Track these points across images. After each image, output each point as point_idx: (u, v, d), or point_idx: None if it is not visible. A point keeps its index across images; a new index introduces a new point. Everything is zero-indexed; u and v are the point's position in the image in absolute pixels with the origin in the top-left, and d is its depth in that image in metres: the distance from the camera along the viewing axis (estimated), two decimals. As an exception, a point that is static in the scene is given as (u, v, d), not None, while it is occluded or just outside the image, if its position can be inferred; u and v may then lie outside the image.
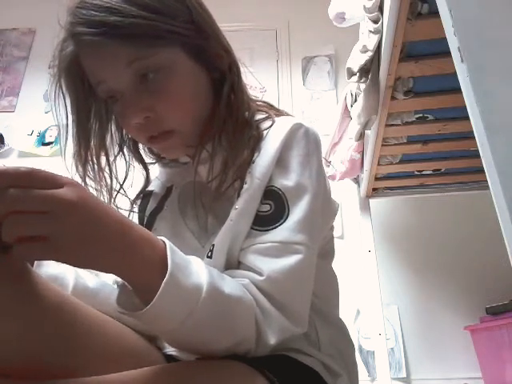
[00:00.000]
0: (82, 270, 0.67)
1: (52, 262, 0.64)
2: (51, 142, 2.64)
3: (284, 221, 0.58)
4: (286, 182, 0.61)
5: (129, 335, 0.58)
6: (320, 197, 0.64)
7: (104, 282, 0.68)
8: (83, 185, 0.67)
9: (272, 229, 0.58)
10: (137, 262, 0.45)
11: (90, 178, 0.68)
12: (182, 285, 0.46)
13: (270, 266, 0.55)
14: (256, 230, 0.59)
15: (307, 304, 0.59)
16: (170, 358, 0.62)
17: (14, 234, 0.38)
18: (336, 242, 0.77)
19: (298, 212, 0.59)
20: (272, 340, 0.53)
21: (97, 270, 0.45)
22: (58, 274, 0.63)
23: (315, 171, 0.63)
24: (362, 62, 1.28)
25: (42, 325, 0.45)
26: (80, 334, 0.49)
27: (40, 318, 0.45)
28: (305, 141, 0.64)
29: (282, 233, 0.58)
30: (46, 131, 2.68)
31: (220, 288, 0.49)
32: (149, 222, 0.73)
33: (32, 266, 0.59)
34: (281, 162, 0.62)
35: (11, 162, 2.59)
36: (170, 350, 0.63)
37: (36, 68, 2.86)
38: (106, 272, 0.45)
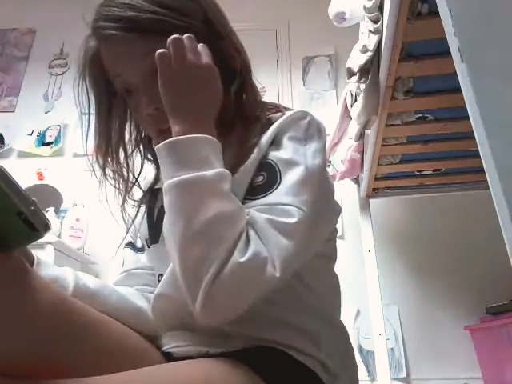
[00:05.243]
0: (81, 272, 0.68)
1: (52, 264, 0.65)
2: (51, 142, 2.64)
3: (276, 188, 0.59)
4: (280, 154, 0.62)
5: (128, 335, 0.58)
6: (316, 175, 0.62)
7: (104, 283, 0.68)
8: (102, 175, 0.71)
9: (263, 196, 0.59)
10: (197, 125, 0.57)
11: (109, 169, 0.71)
12: (202, 152, 0.55)
13: (259, 214, 0.55)
14: (249, 199, 0.60)
15: (290, 260, 0.54)
16: (169, 356, 0.63)
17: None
18: (336, 242, 0.77)
19: (288, 179, 0.59)
20: (244, 258, 0.50)
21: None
22: (59, 276, 0.63)
23: (311, 153, 0.62)
24: (362, 61, 1.28)
25: (40, 324, 0.45)
26: (79, 334, 0.49)
27: (39, 317, 0.45)
28: (305, 127, 0.64)
29: (271, 197, 0.58)
30: (46, 131, 2.68)
31: (223, 186, 0.54)
32: (158, 217, 0.74)
33: (31, 266, 0.59)
34: (277, 139, 0.64)
35: (11, 162, 2.59)
36: (169, 348, 0.64)
37: (36, 68, 2.86)
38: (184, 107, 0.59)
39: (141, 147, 0.77)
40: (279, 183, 0.59)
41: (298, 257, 0.56)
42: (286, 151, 0.62)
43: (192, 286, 0.51)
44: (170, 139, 0.57)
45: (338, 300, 0.75)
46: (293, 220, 0.55)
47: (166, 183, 0.55)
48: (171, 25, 0.62)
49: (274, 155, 0.62)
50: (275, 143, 0.63)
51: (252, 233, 0.53)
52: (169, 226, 0.55)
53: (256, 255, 0.51)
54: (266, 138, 0.63)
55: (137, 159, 0.77)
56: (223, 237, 0.51)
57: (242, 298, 0.51)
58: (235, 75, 0.68)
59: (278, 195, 0.57)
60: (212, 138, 0.58)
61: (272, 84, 2.65)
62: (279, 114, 0.68)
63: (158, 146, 0.58)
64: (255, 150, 0.62)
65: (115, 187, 0.71)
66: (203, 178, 0.53)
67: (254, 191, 0.60)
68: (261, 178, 0.61)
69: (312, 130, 0.65)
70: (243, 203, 0.59)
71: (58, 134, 2.66)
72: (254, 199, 0.59)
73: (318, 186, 0.62)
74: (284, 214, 0.55)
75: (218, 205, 0.52)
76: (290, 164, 0.60)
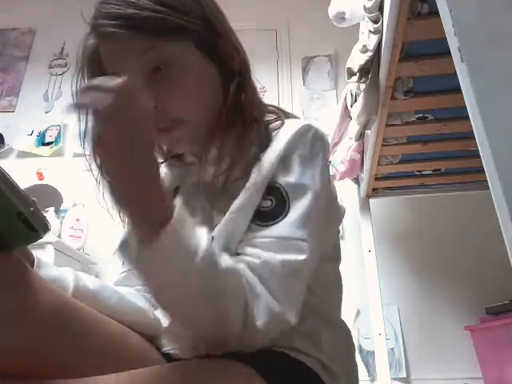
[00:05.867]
0: (81, 272, 0.68)
1: (52, 264, 0.65)
2: (51, 142, 2.64)
3: (284, 217, 0.58)
4: (289, 179, 0.61)
5: (129, 336, 0.58)
6: (323, 197, 0.63)
7: (104, 284, 0.68)
8: (99, 175, 0.69)
9: (272, 224, 0.58)
10: (155, 205, 0.48)
11: None
12: (181, 241, 0.48)
13: (269, 256, 0.55)
14: (257, 224, 0.59)
15: (300, 300, 0.58)
16: (169, 357, 0.63)
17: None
18: (339, 242, 0.77)
19: (298, 209, 0.59)
20: (260, 322, 0.52)
21: (120, 193, 0.48)
22: (59, 276, 0.63)
23: (319, 172, 0.63)
24: (362, 62, 1.28)
25: (40, 325, 0.45)
26: (79, 335, 0.49)
27: (38, 318, 0.45)
28: (310, 142, 0.64)
29: (281, 229, 0.57)
30: (46, 131, 2.67)
31: (216, 260, 0.51)
32: None
33: (31, 266, 0.59)
34: (284, 160, 0.62)
35: (11, 162, 2.59)
36: (169, 349, 0.64)
37: (36, 68, 2.86)
38: (127, 200, 0.48)
39: None
40: (288, 210, 0.59)
41: (306, 287, 0.59)
42: (294, 174, 0.61)
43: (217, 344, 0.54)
44: (138, 253, 0.48)
45: (340, 300, 0.75)
46: (303, 256, 0.56)
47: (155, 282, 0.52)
48: (171, 23, 0.61)
49: (282, 180, 0.61)
50: (282, 163, 0.62)
51: (259, 287, 0.53)
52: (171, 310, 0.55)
53: (270, 315, 0.52)
54: (270, 157, 0.62)
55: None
56: (230, 314, 0.51)
57: (266, 341, 0.56)
58: (234, 74, 0.68)
59: (288, 226, 0.58)
60: (169, 225, 0.48)
61: (272, 84, 2.65)
62: (278, 122, 0.68)
63: (132, 256, 0.50)
64: (257, 170, 0.61)
65: None
66: (189, 278, 0.50)
67: (262, 217, 0.59)
68: (269, 203, 0.60)
69: (318, 146, 0.65)
70: (251, 227, 0.59)
71: (58, 134, 2.66)
72: (262, 226, 0.58)
73: (325, 207, 0.64)
74: (295, 250, 0.56)
75: (210, 291, 0.51)
76: (299, 190, 0.60)
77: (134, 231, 0.49)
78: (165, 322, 0.65)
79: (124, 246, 0.51)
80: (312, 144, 0.64)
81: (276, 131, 0.66)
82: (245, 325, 0.52)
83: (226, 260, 0.53)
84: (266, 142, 0.65)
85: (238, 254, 0.59)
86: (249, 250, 0.57)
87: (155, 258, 0.47)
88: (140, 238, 0.48)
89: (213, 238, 0.59)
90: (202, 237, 0.51)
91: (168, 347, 0.64)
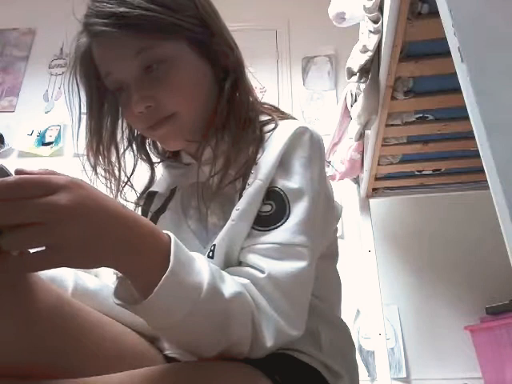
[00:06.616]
0: (81, 271, 0.67)
1: None
2: (51, 142, 2.64)
3: (284, 221, 0.58)
4: (288, 183, 0.61)
5: (129, 336, 0.58)
6: (321, 200, 0.64)
7: (103, 284, 0.68)
8: (93, 174, 0.69)
9: (272, 229, 0.58)
10: (140, 257, 0.44)
11: (101, 168, 0.70)
12: (182, 282, 0.45)
13: (272, 266, 0.55)
14: (257, 229, 0.59)
15: (306, 308, 0.59)
16: (170, 360, 0.62)
17: (13, 249, 0.38)
18: (337, 240, 0.77)
19: (298, 213, 0.59)
20: (269, 343, 0.52)
21: (99, 267, 0.44)
22: (57, 276, 0.63)
23: (317, 174, 0.63)
24: (362, 62, 1.28)
25: (40, 325, 0.45)
26: (79, 335, 0.49)
27: (38, 318, 0.45)
28: (308, 144, 0.64)
29: (282, 234, 0.57)
30: (45, 131, 2.67)
31: (220, 290, 0.49)
32: (151, 221, 0.73)
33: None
34: (283, 163, 0.62)
35: (11, 162, 2.59)
36: (171, 352, 0.63)
37: (36, 68, 2.86)
38: (108, 267, 0.44)
39: (133, 146, 0.76)
40: (289, 214, 0.58)
41: (310, 292, 0.60)
42: (293, 178, 0.61)
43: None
44: (143, 304, 0.44)
45: (339, 300, 0.75)
46: (304, 263, 0.56)
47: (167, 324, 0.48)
48: (163, 21, 0.61)
49: (282, 184, 0.61)
50: (281, 166, 0.62)
51: (263, 302, 0.53)
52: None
53: (278, 335, 0.52)
54: (269, 160, 0.62)
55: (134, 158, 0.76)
56: (238, 339, 0.51)
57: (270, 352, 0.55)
58: (228, 73, 0.68)
59: (288, 232, 0.57)
60: (168, 262, 0.45)
61: (272, 84, 2.65)
62: (272, 125, 0.67)
63: (131, 303, 0.46)
64: (254, 173, 0.61)
65: (107, 186, 0.70)
66: (195, 316, 0.47)
67: (262, 222, 0.59)
68: (269, 207, 0.60)
69: (315, 148, 0.65)
70: (251, 233, 0.59)
71: (58, 134, 2.66)
72: (263, 231, 0.58)
73: (323, 208, 0.64)
74: (296, 257, 0.56)
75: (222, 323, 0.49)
76: (299, 194, 0.60)
77: (130, 281, 0.46)
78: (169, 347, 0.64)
79: (120, 291, 0.48)
80: (310, 146, 0.64)
81: (270, 133, 0.66)
82: (253, 344, 0.52)
83: (229, 286, 0.51)
84: (259, 143, 0.65)
85: (240, 261, 0.59)
86: (250, 257, 0.57)
87: (157, 306, 0.44)
88: (138, 289, 0.46)
89: (214, 246, 0.59)
90: (202, 268, 0.48)
91: (169, 350, 0.64)
